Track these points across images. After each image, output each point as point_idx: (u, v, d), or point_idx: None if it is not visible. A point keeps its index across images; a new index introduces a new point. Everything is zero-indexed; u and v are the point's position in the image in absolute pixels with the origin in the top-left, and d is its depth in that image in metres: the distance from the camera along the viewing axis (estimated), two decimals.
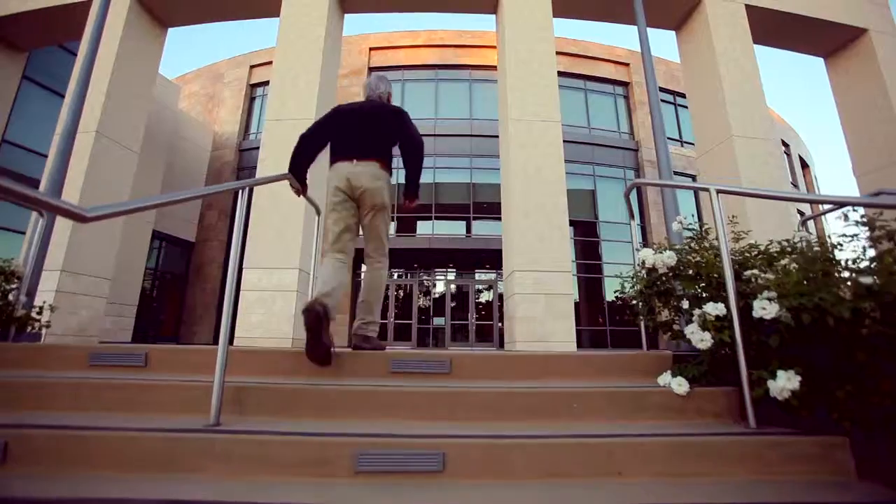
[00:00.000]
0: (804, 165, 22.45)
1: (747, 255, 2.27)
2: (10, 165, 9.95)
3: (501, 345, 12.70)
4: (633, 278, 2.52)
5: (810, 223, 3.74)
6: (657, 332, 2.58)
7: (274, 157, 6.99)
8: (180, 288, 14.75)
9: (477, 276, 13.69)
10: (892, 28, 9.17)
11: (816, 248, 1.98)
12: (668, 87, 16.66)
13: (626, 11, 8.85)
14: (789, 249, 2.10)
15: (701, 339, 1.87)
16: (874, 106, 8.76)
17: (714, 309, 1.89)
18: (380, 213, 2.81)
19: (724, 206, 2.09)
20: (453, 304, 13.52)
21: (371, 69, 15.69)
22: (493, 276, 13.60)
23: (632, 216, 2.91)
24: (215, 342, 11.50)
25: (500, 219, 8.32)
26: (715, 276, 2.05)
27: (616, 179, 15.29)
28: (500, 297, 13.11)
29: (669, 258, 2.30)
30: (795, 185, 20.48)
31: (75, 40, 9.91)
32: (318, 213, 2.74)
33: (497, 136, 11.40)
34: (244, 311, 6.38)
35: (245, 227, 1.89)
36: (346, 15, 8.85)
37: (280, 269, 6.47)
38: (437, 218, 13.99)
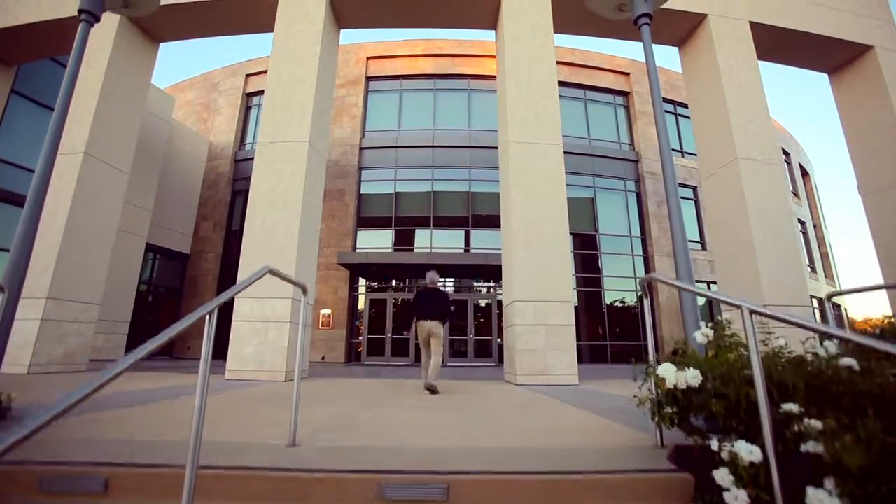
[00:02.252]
0: (804, 173, 22.32)
1: (780, 366, 1.97)
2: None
3: (500, 361, 12.50)
4: (649, 390, 2.22)
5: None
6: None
7: (267, 180, 6.79)
8: (175, 301, 14.52)
9: (475, 292, 13.47)
10: None
11: None
12: (668, 96, 16.47)
13: (630, 28, 8.70)
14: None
15: (735, 497, 1.54)
16: (881, 124, 8.60)
17: (748, 452, 1.58)
18: (438, 339, 5.25)
19: (756, 326, 1.82)
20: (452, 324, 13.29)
21: (368, 79, 15.49)
22: (491, 291, 13.39)
23: (646, 295, 2.72)
24: (212, 357, 11.39)
25: (499, 227, 8.09)
26: (744, 398, 1.81)
27: (616, 191, 15.11)
28: (499, 312, 12.92)
29: (694, 378, 2.03)
30: (796, 195, 20.34)
31: (65, 55, 9.70)
32: (305, 292, 2.55)
33: (496, 147, 11.23)
34: (237, 343, 6.18)
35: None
36: (342, 30, 8.67)
37: (273, 298, 6.26)
38: (435, 226, 13.80)
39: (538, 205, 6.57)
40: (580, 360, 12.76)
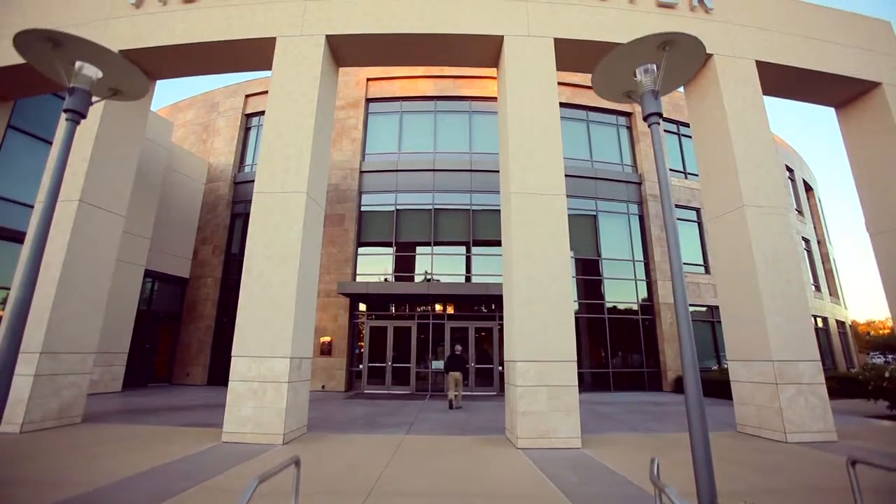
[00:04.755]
0: (808, 188, 22.15)
1: None
2: None
3: (501, 390, 12.38)
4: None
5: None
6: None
7: (264, 233, 6.67)
8: (174, 326, 14.40)
9: (476, 321, 13.31)
10: None
11: None
12: (671, 116, 16.32)
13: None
14: None
15: None
16: (889, 164, 8.44)
17: None
18: (459, 382, 9.66)
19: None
20: (452, 350, 13.18)
21: (368, 101, 15.35)
22: (492, 319, 13.23)
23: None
24: (209, 383, 11.40)
25: (499, 248, 7.94)
26: None
27: (619, 214, 14.95)
28: (500, 340, 12.78)
29: None
30: (800, 212, 20.17)
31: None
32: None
33: (497, 171, 10.99)
34: (234, 404, 6.05)
35: None
36: (340, 68, 8.55)
37: (270, 357, 6.14)
38: (436, 253, 13.67)
39: (540, 259, 6.43)
40: (583, 389, 12.65)
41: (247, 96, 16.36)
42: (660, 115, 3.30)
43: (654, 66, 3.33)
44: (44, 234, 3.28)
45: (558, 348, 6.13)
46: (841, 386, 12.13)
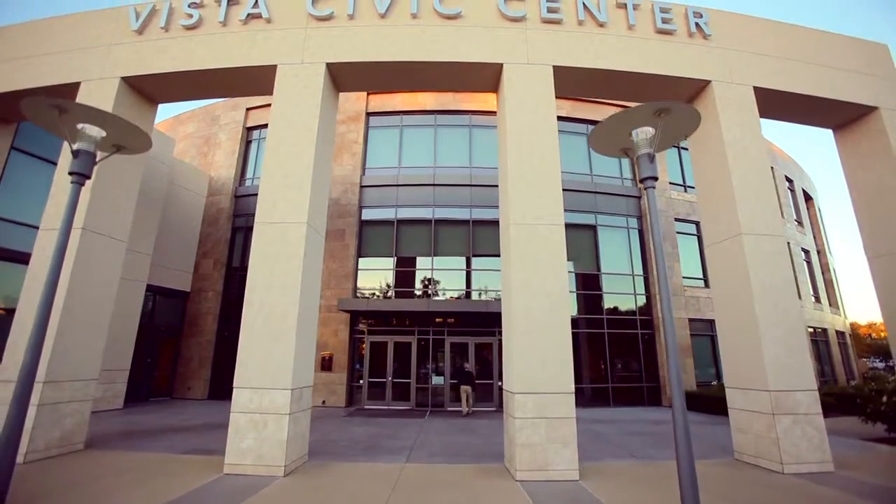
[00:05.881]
0: (807, 198, 22.18)
1: None
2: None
3: (500, 405, 12.42)
4: None
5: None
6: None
7: (264, 263, 6.71)
8: (175, 340, 14.46)
9: (476, 336, 13.35)
10: None
11: None
12: None
13: (634, 91, 8.63)
14: None
15: None
16: (887, 188, 8.48)
17: None
18: (468, 393, 11.81)
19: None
20: (453, 366, 13.23)
21: (369, 114, 15.41)
22: (492, 335, 13.27)
23: None
24: (210, 397, 11.42)
25: (499, 269, 7.99)
26: None
27: (619, 228, 15.00)
28: (500, 354, 12.83)
29: None
30: (800, 223, 20.21)
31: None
32: None
33: (496, 186, 11.08)
34: (235, 435, 6.10)
35: None
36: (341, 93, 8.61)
37: (271, 389, 6.19)
38: (436, 267, 13.72)
39: (539, 292, 6.48)
40: (582, 403, 12.69)
41: (248, 109, 16.43)
42: (655, 178, 3.36)
43: (651, 129, 3.39)
44: (52, 288, 3.34)
45: (557, 380, 6.18)
46: (839, 402, 12.17)
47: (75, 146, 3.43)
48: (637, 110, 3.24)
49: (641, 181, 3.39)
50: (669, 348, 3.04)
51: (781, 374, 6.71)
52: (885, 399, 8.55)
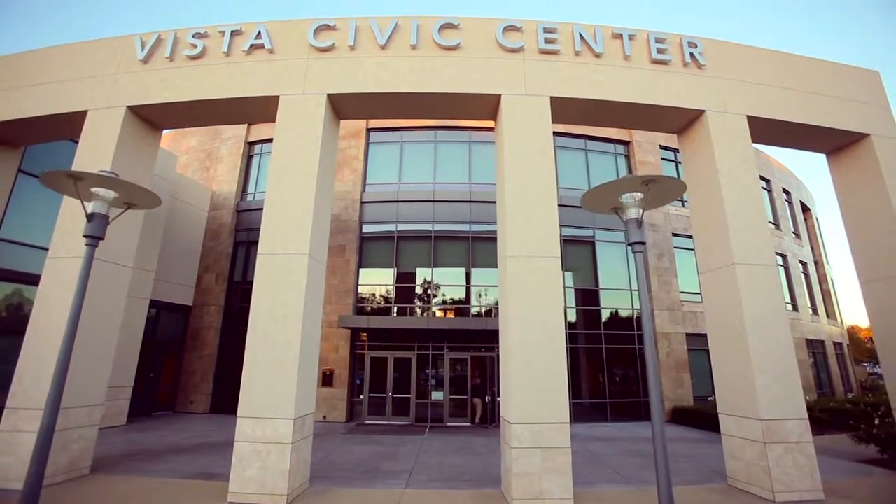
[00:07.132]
0: (805, 209, 22.32)
1: None
2: (7, 264, 9.86)
3: (498, 422, 12.56)
4: None
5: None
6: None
7: (267, 294, 6.86)
8: (177, 354, 14.62)
9: (475, 351, 13.53)
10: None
11: None
12: (668, 145, 16.54)
13: (630, 120, 8.79)
14: None
15: None
16: (878, 214, 8.63)
17: None
18: (479, 406, 12.96)
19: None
20: (451, 380, 13.39)
21: (369, 130, 15.60)
22: (491, 350, 13.43)
23: None
24: (212, 411, 11.57)
25: (496, 286, 8.14)
26: None
27: (617, 244, 15.16)
28: (498, 372, 12.99)
29: None
30: (797, 234, 20.35)
31: (72, 139, 9.84)
32: None
33: (495, 202, 11.28)
34: (239, 464, 6.25)
35: None
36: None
37: (274, 419, 6.35)
38: (436, 280, 13.90)
39: (535, 321, 6.63)
40: (580, 418, 12.84)
41: (249, 124, 16.59)
42: (643, 243, 3.52)
43: (639, 194, 3.55)
44: (72, 336, 3.51)
45: (553, 411, 6.33)
46: (834, 418, 12.29)
47: (89, 209, 3.60)
48: (626, 180, 3.41)
49: (630, 244, 3.54)
50: (652, 396, 3.20)
51: (773, 403, 6.85)
52: (877, 422, 8.70)
